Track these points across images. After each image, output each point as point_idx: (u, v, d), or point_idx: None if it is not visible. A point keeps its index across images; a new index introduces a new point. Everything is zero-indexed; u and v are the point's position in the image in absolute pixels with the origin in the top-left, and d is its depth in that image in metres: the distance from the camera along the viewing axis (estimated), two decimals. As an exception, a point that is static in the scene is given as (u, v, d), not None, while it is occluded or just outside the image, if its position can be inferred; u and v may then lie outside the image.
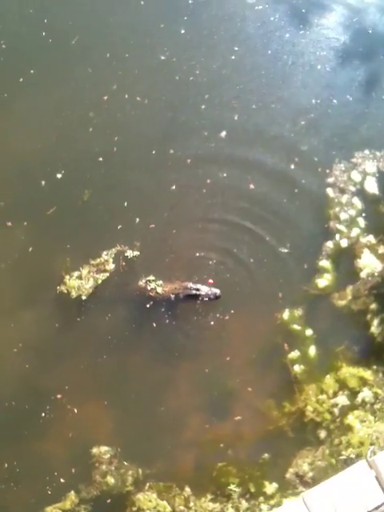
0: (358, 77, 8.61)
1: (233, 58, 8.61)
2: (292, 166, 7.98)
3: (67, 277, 7.19)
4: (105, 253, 7.36)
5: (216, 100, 8.34)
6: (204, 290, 7.10)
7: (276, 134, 8.17)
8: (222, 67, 8.56)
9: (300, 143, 8.11)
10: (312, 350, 6.95)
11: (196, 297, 7.09)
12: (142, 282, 7.19)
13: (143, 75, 8.47)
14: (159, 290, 7.14)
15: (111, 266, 7.29)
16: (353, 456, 6.34)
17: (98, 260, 7.32)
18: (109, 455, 6.50)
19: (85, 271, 7.21)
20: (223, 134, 8.14)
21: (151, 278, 7.19)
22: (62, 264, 7.27)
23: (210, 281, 7.29)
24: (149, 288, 7.13)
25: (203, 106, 8.29)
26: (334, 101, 8.40)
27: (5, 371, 6.92)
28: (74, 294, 7.09)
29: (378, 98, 8.48)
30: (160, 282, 7.19)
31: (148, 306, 7.20)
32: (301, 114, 8.31)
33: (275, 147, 8.09)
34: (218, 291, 7.08)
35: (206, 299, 7.09)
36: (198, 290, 7.11)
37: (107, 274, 7.25)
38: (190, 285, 7.15)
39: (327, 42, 8.71)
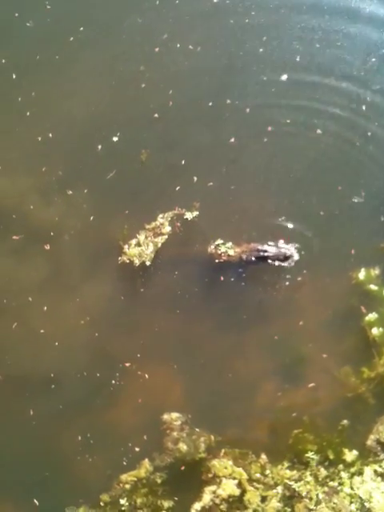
0: None
1: None
2: (363, 108, 7.03)
3: (126, 246, 6.72)
4: (160, 216, 6.82)
5: (275, 42, 7.44)
6: (273, 251, 6.45)
7: (344, 74, 7.21)
8: (279, 6, 7.59)
9: (371, 82, 7.11)
10: (391, 311, 6.18)
11: (265, 258, 6.46)
12: (211, 247, 6.60)
13: (195, 21, 7.66)
14: (230, 252, 6.54)
15: (167, 229, 6.75)
16: None
17: (154, 224, 6.79)
18: (180, 422, 6.18)
19: (142, 237, 6.72)
20: (284, 77, 7.27)
21: (220, 241, 6.60)
22: (119, 233, 6.79)
23: (282, 240, 6.59)
24: (219, 252, 6.55)
25: (261, 50, 7.42)
26: None
27: (74, 343, 6.63)
28: (136, 261, 6.63)
29: None
30: (230, 244, 6.59)
31: (216, 265, 6.61)
32: (371, 50, 7.28)
33: (343, 88, 7.16)
34: (288, 251, 6.42)
35: (276, 260, 6.45)
36: (265, 251, 6.46)
37: (166, 237, 6.73)
38: (259, 246, 6.51)
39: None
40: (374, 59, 7.20)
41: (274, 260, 6.42)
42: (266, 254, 6.43)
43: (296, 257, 6.42)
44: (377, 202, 6.60)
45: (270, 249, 6.44)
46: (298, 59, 7.31)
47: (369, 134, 6.89)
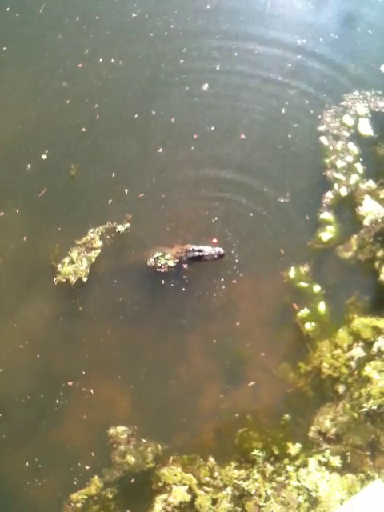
0: (341, 12, 7.36)
1: (208, 7, 7.40)
2: (283, 111, 6.87)
3: (59, 265, 6.24)
4: (91, 230, 6.40)
5: (194, 52, 7.19)
6: (207, 250, 6.18)
7: (262, 80, 7.02)
8: (197, 18, 7.35)
9: (289, 87, 6.98)
10: (321, 306, 6.05)
11: (200, 258, 6.18)
12: (151, 260, 6.22)
13: (116, 36, 7.33)
14: (170, 263, 6.19)
15: (99, 243, 6.34)
16: (374, 407, 5.55)
17: (84, 239, 6.36)
18: (126, 434, 5.76)
19: (74, 254, 6.27)
20: (205, 86, 7.03)
21: (158, 254, 6.23)
22: (51, 253, 6.29)
23: (214, 240, 6.36)
24: (160, 265, 6.20)
25: (182, 61, 7.17)
26: (320, 40, 7.18)
27: (16, 368, 6.07)
28: (72, 279, 6.17)
29: (363, 32, 7.23)
30: (168, 256, 6.22)
31: (156, 272, 6.24)
32: (287, 56, 7.12)
33: (263, 93, 6.97)
34: (221, 250, 6.15)
35: (210, 259, 6.17)
36: (200, 251, 6.19)
37: (98, 251, 6.32)
38: (192, 247, 6.22)
39: (307, -21, 7.40)
40: (289, 65, 7.07)
41: (208, 258, 6.16)
42: (201, 253, 6.16)
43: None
44: (301, 202, 6.45)
45: (205, 248, 6.18)
46: (217, 68, 7.09)
47: (289, 135, 6.75)
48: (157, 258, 6.21)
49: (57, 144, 6.83)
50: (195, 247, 6.20)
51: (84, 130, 6.86)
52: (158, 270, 6.20)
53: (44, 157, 6.76)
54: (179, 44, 7.18)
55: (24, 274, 6.34)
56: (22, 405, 5.87)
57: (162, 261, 6.19)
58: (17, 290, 6.29)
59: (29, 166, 6.74)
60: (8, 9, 7.53)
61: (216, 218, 6.45)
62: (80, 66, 7.16)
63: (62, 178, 6.67)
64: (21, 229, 6.49)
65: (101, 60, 7.15)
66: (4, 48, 7.35)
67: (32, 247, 6.39)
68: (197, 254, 6.17)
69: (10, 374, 6.01)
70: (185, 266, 6.22)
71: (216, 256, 6.14)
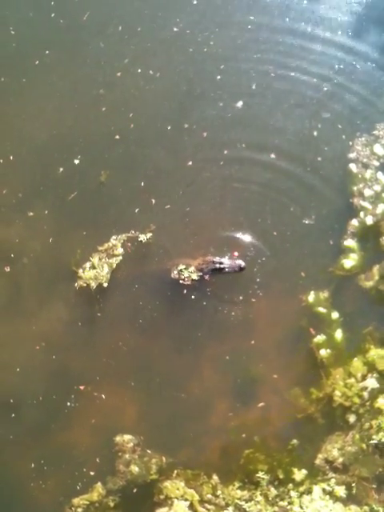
0: (380, 42, 7.17)
1: (249, 27, 7.27)
2: (315, 133, 6.71)
3: (80, 270, 6.18)
4: (114, 237, 6.33)
5: (232, 70, 7.07)
6: (227, 262, 6.10)
7: (297, 102, 6.89)
8: (237, 37, 7.23)
9: (323, 110, 6.82)
10: (338, 334, 5.86)
11: (220, 270, 6.08)
12: (174, 273, 6.13)
13: (156, 48, 7.24)
14: (194, 276, 6.09)
15: (120, 251, 6.27)
16: (384, 440, 5.27)
17: (106, 245, 6.29)
18: (132, 443, 5.64)
19: (96, 259, 6.20)
20: (240, 103, 6.91)
21: (182, 266, 6.14)
22: (72, 258, 6.23)
23: (235, 253, 6.25)
24: (183, 277, 6.10)
25: (219, 77, 7.05)
26: (358, 66, 7.01)
27: (31, 369, 6.00)
28: (93, 284, 6.10)
29: (401, 65, 7.07)
30: (192, 269, 6.12)
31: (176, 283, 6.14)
32: (323, 80, 6.96)
33: (297, 115, 6.84)
34: (242, 263, 6.05)
35: (231, 271, 6.07)
36: (221, 263, 6.10)
37: (120, 258, 6.24)
38: (213, 259, 6.14)
39: (348, 7, 7.25)
40: (325, 88, 6.92)
41: (229, 270, 6.07)
42: (221, 265, 6.08)
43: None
44: (326, 226, 6.29)
45: (226, 260, 6.11)
46: (253, 87, 6.97)
47: (319, 158, 6.59)
48: (180, 270, 6.13)
49: (90, 150, 6.79)
50: (216, 259, 6.12)
51: (117, 137, 6.82)
52: (181, 281, 6.12)
53: (76, 161, 6.73)
54: (217, 60, 7.08)
55: (47, 276, 6.29)
56: (34, 405, 5.79)
57: (186, 273, 6.10)
58: (38, 292, 6.23)
59: (61, 169, 6.72)
60: (53, 15, 7.51)
61: (240, 234, 6.35)
62: (119, 74, 7.12)
63: (92, 183, 6.62)
64: (48, 230, 6.46)
65: (139, 71, 7.10)
66: (47, 52, 7.34)
67: (57, 250, 6.34)
68: (217, 266, 6.09)
69: (25, 374, 5.94)
70: (206, 277, 6.13)
71: (237, 269, 6.04)
